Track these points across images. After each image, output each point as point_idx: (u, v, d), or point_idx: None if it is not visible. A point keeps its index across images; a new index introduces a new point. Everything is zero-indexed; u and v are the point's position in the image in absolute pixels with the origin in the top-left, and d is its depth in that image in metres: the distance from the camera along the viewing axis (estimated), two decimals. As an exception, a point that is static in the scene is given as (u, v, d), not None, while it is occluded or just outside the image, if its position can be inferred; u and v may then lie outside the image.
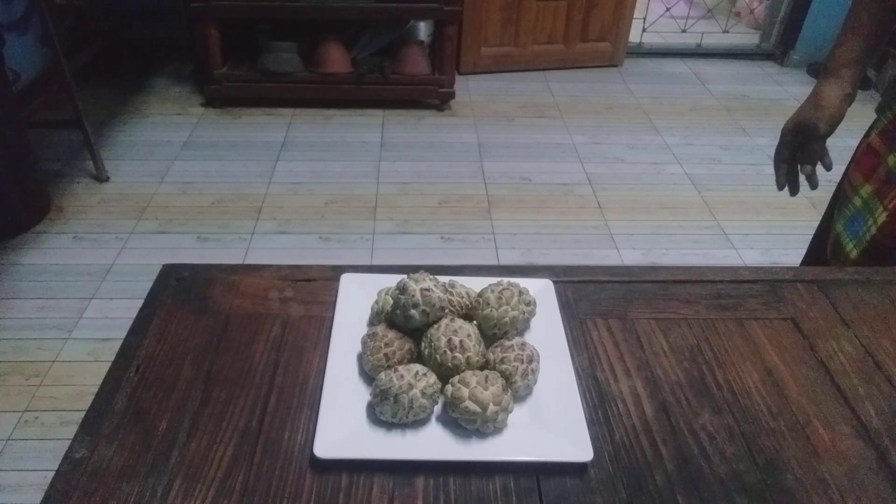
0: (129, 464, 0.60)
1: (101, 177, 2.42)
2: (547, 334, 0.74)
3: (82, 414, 0.64)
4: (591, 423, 0.66)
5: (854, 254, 1.05)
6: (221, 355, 0.71)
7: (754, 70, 3.67)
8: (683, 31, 3.82)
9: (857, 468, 0.63)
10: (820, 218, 1.20)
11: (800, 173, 1.10)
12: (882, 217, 1.00)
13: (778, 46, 3.73)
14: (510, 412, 0.64)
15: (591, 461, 0.61)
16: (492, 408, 0.61)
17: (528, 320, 0.74)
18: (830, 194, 1.16)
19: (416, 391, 0.62)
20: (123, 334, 0.73)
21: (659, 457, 0.63)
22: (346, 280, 0.79)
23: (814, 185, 1.08)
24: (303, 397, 0.67)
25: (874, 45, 0.99)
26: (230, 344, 0.73)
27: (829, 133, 1.03)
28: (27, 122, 2.17)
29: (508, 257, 2.17)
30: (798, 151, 1.08)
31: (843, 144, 1.15)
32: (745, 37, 3.92)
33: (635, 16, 3.52)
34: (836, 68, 1.00)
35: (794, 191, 1.11)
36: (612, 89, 3.37)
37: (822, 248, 1.16)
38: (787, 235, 2.32)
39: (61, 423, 1.56)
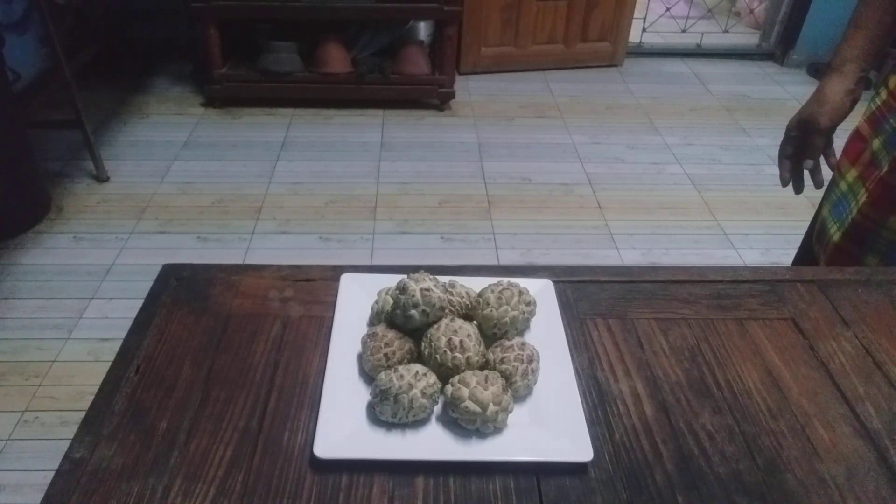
0: (129, 464, 0.60)
1: (101, 177, 2.42)
2: (547, 334, 0.74)
3: (82, 414, 0.64)
4: (591, 423, 0.66)
5: (836, 237, 1.05)
6: (221, 355, 0.71)
7: (754, 70, 3.67)
8: (683, 31, 3.82)
9: (857, 468, 0.63)
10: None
11: (804, 170, 1.09)
12: (863, 198, 1.00)
13: (778, 46, 3.73)
14: (510, 412, 0.64)
15: (591, 461, 0.61)
16: (492, 408, 0.61)
17: (528, 320, 0.74)
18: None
19: (416, 391, 0.62)
20: (123, 334, 0.73)
21: (659, 457, 0.63)
22: (346, 280, 0.79)
23: (818, 183, 1.08)
24: (303, 397, 0.67)
25: (878, 43, 0.99)
26: (230, 344, 0.73)
27: (831, 127, 1.02)
28: (27, 122, 2.17)
29: (508, 257, 2.17)
30: (801, 147, 1.08)
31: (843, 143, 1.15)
32: (745, 37, 3.93)
33: (635, 16, 3.52)
34: (839, 64, 1.01)
35: (799, 189, 1.11)
36: (612, 89, 3.37)
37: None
38: (787, 235, 2.32)
39: (61, 423, 1.56)
